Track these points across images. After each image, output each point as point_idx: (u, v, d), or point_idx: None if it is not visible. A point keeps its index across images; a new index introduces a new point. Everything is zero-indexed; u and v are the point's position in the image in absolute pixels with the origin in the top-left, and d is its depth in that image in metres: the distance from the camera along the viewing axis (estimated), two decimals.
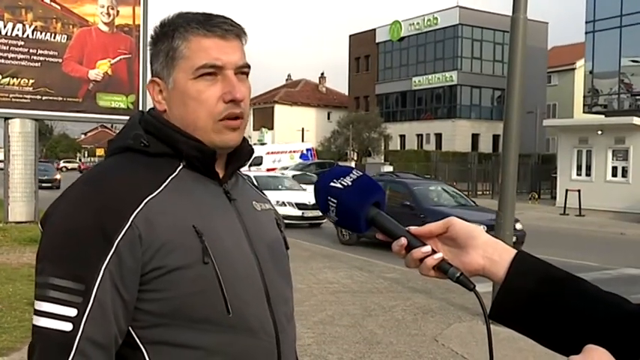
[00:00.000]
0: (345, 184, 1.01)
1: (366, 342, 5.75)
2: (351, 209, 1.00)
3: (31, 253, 10.14)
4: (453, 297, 7.68)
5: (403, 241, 0.98)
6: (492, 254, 0.96)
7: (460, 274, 0.97)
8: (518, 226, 13.64)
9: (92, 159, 71.88)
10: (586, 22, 31.72)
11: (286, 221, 17.57)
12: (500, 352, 5.34)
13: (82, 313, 1.03)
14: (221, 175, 1.25)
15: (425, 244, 0.99)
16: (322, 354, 5.36)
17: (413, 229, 1.01)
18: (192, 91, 1.18)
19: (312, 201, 14.06)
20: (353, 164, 40.11)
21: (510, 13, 6.69)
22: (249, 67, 1.23)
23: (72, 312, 1.03)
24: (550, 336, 0.92)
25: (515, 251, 0.97)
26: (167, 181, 1.16)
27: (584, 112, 32.89)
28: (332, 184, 1.02)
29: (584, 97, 32.67)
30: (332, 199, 1.01)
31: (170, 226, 1.10)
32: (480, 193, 32.22)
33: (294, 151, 38.22)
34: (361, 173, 1.04)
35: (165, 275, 1.09)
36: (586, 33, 31.75)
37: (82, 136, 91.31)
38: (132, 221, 1.07)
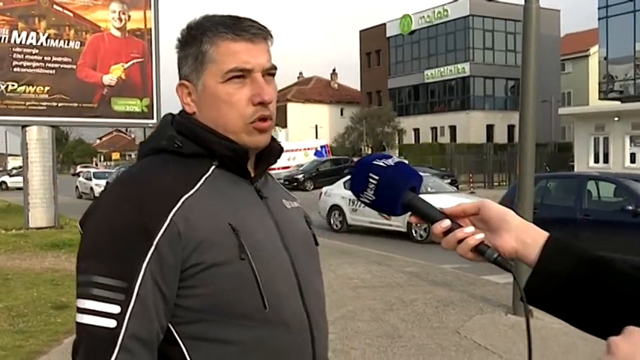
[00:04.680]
0: (388, 164, 1.05)
1: (388, 336, 5.75)
2: (393, 187, 1.03)
3: (52, 258, 10.27)
4: (473, 289, 7.65)
5: (447, 223, 1.00)
6: (525, 237, 0.97)
7: (498, 255, 0.98)
8: None
9: (108, 163, 72.44)
10: (599, 8, 31.42)
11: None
12: (522, 341, 5.33)
13: (125, 310, 1.06)
14: (252, 174, 1.28)
15: (462, 226, 1.01)
16: (345, 349, 5.38)
17: (447, 209, 1.03)
18: (223, 94, 1.21)
19: None
20: None
21: (521, 2, 6.64)
22: (275, 68, 1.26)
23: (115, 309, 1.06)
24: (585, 318, 0.92)
25: (547, 234, 0.97)
26: (201, 181, 1.19)
27: (599, 98, 32.61)
28: (375, 162, 1.05)
29: (599, 83, 32.40)
30: (373, 176, 1.04)
31: (207, 224, 1.13)
32: (497, 184, 32.04)
33: (308, 149, 38.30)
34: (400, 159, 1.09)
35: (204, 271, 1.11)
36: (599, 19, 31.46)
37: (98, 141, 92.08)
38: (171, 219, 1.10)
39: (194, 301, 1.12)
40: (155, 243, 1.08)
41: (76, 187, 29.85)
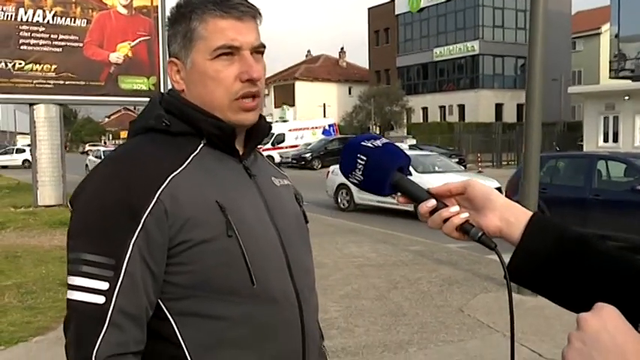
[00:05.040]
0: (376, 144, 1.06)
1: (392, 314, 5.79)
2: (380, 168, 1.04)
3: (61, 236, 10.36)
4: (478, 268, 7.68)
5: (432, 203, 1.01)
6: (509, 216, 0.98)
7: (482, 234, 0.99)
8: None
9: (116, 141, 72.60)
10: None
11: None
12: (526, 320, 5.36)
13: (114, 286, 1.08)
14: (241, 153, 1.29)
15: (448, 205, 1.02)
16: (349, 327, 5.42)
17: (433, 188, 1.04)
18: (211, 71, 1.21)
19: (493, 185, 12.77)
20: None
21: None
22: (264, 46, 1.26)
23: (104, 285, 1.08)
24: (566, 296, 0.94)
25: (531, 213, 0.98)
26: (189, 159, 1.20)
27: (610, 77, 32.25)
28: (363, 143, 1.06)
29: (610, 62, 32.01)
30: (361, 157, 1.05)
31: (194, 202, 1.14)
32: (505, 163, 31.94)
33: (316, 127, 38.23)
34: (388, 140, 1.10)
35: (191, 248, 1.13)
36: None
37: (106, 119, 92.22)
38: (158, 197, 1.12)
39: (183, 277, 1.14)
40: (142, 221, 1.10)
41: (86, 165, 29.97)
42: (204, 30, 1.21)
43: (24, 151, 44.07)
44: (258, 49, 1.25)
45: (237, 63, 1.22)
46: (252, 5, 1.25)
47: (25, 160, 41.74)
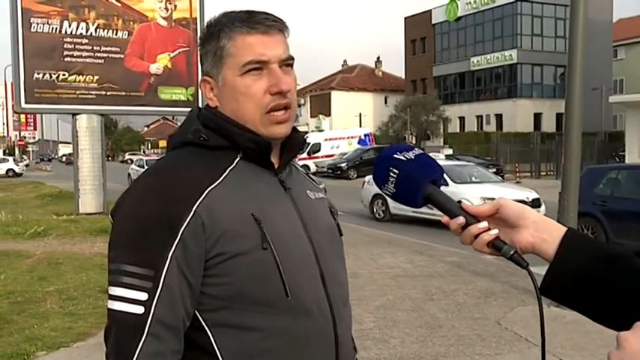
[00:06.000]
0: (409, 157, 1.06)
1: (427, 326, 5.74)
2: (412, 180, 1.05)
3: (101, 243, 10.58)
4: (516, 280, 7.56)
5: (461, 220, 1.02)
6: (542, 233, 0.99)
7: (514, 252, 0.99)
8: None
9: (155, 150, 73.80)
10: None
11: None
12: (565, 334, 5.25)
13: (153, 297, 1.11)
14: (276, 166, 1.31)
15: (479, 221, 1.02)
16: (384, 338, 5.40)
17: (465, 206, 1.05)
18: (241, 87, 1.24)
19: (531, 196, 12.87)
20: None
21: None
22: (293, 59, 1.28)
23: (143, 296, 1.11)
24: (601, 312, 0.94)
25: (565, 229, 0.98)
26: (226, 173, 1.22)
27: None
28: (395, 155, 1.07)
29: None
30: (393, 170, 1.06)
31: (230, 215, 1.17)
32: (544, 173, 31.39)
33: (352, 137, 38.22)
34: (422, 151, 1.10)
35: (228, 261, 1.15)
36: None
37: (145, 129, 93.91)
38: (195, 210, 1.14)
39: (219, 289, 1.16)
40: (180, 233, 1.13)
41: (129, 174, 30.07)
42: (233, 47, 1.24)
43: (7, 160, 44.37)
44: (287, 62, 1.27)
45: (266, 77, 1.24)
46: (279, 19, 1.28)
47: (9, 170, 42.00)
